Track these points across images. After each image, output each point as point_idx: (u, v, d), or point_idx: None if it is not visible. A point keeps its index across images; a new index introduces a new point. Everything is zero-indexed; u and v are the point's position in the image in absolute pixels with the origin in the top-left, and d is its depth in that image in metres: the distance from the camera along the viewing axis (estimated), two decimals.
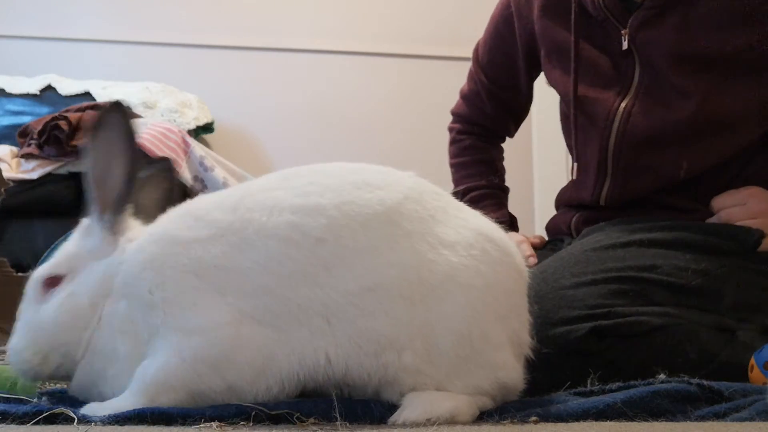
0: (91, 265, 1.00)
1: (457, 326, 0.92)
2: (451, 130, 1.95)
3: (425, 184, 1.02)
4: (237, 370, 0.90)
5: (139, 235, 1.01)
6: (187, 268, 0.93)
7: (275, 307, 0.91)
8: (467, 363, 0.93)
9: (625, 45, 1.47)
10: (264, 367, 0.90)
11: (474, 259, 0.95)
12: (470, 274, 0.93)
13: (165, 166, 1.21)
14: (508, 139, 1.96)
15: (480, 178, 1.86)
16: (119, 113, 0.99)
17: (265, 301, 0.91)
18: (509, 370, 0.96)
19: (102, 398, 0.96)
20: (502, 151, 1.94)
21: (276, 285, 0.91)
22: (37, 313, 1.00)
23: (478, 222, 1.01)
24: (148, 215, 1.05)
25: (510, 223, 1.82)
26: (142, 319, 0.94)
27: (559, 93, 1.64)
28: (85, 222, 1.04)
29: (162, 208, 1.07)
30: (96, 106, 2.82)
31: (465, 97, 1.92)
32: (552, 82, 1.65)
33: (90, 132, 1.00)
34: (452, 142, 1.94)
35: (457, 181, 1.90)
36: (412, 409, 0.88)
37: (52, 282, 1.01)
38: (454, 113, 1.96)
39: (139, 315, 0.94)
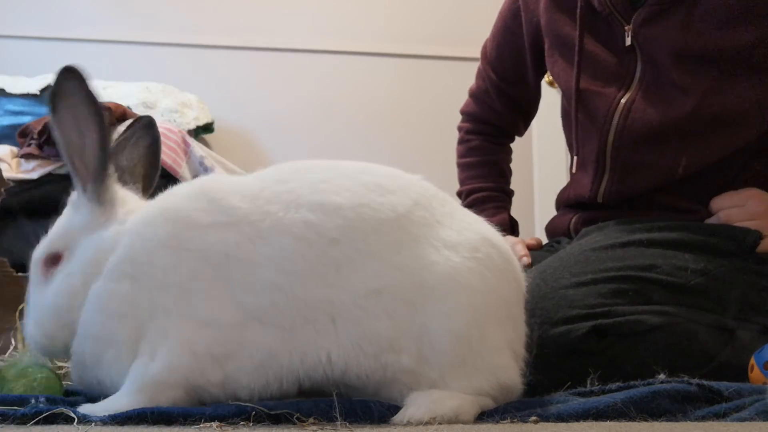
0: (84, 241, 0.99)
1: (456, 327, 0.92)
2: (460, 129, 1.95)
3: (433, 190, 1.03)
4: (238, 368, 0.91)
5: (137, 207, 1.00)
6: (204, 254, 0.92)
7: (282, 305, 0.91)
8: (465, 365, 0.93)
9: (628, 41, 1.47)
10: (264, 365, 0.90)
11: (478, 262, 0.95)
12: (473, 276, 0.94)
13: (144, 122, 1.14)
14: None
15: (485, 180, 1.86)
16: (76, 78, 0.94)
17: (273, 299, 0.91)
18: (510, 372, 0.97)
19: (99, 382, 0.96)
20: (510, 152, 1.94)
21: (286, 283, 0.91)
22: (41, 295, 1.00)
23: (481, 227, 1.02)
24: (132, 177, 1.03)
25: (511, 227, 1.82)
26: (148, 301, 0.92)
27: (561, 87, 1.64)
28: (72, 196, 1.02)
29: (145, 166, 1.04)
30: None
31: (473, 95, 1.92)
32: (554, 75, 1.65)
33: (50, 103, 0.95)
34: (460, 142, 1.94)
35: (462, 181, 1.90)
36: (416, 407, 0.89)
37: (53, 260, 1.00)
38: (463, 112, 1.96)
39: (145, 296, 0.92)
